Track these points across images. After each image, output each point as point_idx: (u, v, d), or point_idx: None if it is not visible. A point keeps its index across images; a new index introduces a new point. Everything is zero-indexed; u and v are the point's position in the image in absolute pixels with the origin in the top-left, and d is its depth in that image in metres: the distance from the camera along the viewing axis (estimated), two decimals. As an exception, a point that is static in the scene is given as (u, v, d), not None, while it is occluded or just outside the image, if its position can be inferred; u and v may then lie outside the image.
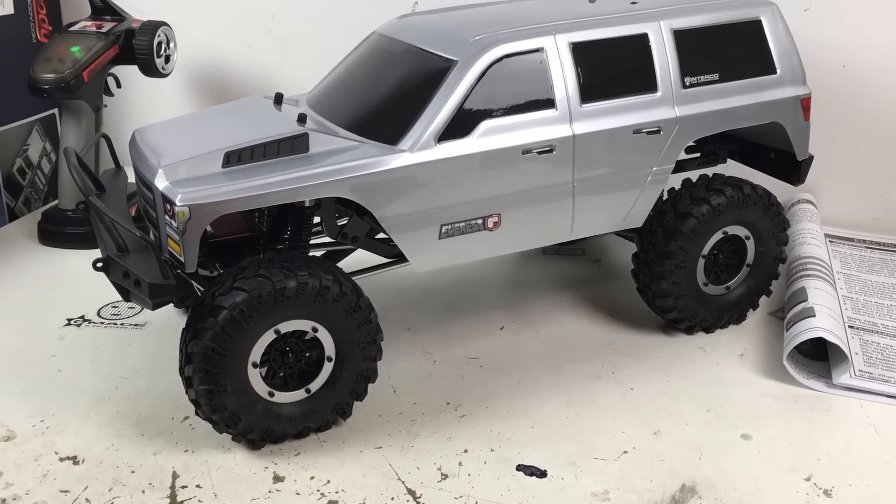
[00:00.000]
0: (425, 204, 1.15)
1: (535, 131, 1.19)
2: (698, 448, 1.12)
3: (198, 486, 1.05)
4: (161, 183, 1.07)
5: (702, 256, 1.34)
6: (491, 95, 1.16)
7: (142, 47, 1.80)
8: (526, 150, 1.18)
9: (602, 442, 1.13)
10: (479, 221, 1.19)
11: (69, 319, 1.44)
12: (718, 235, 1.34)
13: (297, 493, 1.04)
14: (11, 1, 2.02)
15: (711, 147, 1.49)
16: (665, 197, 1.35)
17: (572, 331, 1.42)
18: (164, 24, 1.85)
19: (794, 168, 1.43)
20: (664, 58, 1.25)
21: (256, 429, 1.10)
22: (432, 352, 1.36)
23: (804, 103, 1.36)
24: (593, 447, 1.12)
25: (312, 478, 1.07)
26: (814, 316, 1.29)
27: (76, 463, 1.10)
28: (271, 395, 1.11)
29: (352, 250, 1.35)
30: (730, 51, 1.31)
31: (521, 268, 1.65)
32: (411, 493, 1.04)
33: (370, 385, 1.17)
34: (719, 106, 1.30)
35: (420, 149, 1.13)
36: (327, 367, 1.13)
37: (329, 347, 1.12)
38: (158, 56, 1.83)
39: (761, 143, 1.46)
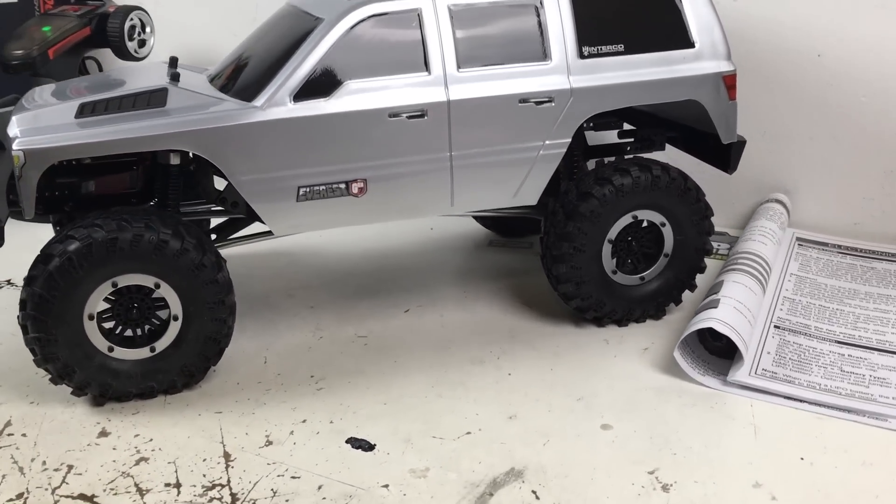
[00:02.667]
0: (279, 164, 1.11)
1: (404, 94, 1.13)
2: (547, 434, 1.03)
3: (23, 434, 1.05)
4: (11, 130, 1.08)
5: (608, 241, 1.25)
6: (358, 55, 1.12)
7: (113, 30, 1.85)
8: (393, 114, 1.13)
9: (449, 422, 1.06)
10: (342, 186, 1.14)
11: (-8, 282, 1.48)
12: (626, 219, 1.25)
13: (114, 449, 1.02)
14: (15, -10, 2.12)
15: (646, 132, 1.40)
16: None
17: (479, 317, 1.35)
18: (138, 8, 1.89)
19: (724, 153, 1.32)
20: (558, 25, 1.18)
21: (94, 384, 1.09)
22: (323, 328, 1.31)
23: (727, 80, 1.25)
24: (437, 426, 1.05)
25: (137, 435, 1.04)
26: (715, 307, 1.18)
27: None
28: (111, 349, 1.09)
29: (247, 220, 1.32)
30: (638, 22, 1.22)
31: (459, 257, 1.59)
32: (226, 455, 1.00)
33: (239, 354, 1.14)
34: (623, 79, 1.21)
35: (273, 105, 1.10)
36: (174, 327, 1.11)
37: (175, 306, 1.10)
38: (131, 40, 1.87)
39: (698, 129, 1.36)
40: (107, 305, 1.10)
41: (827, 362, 1.18)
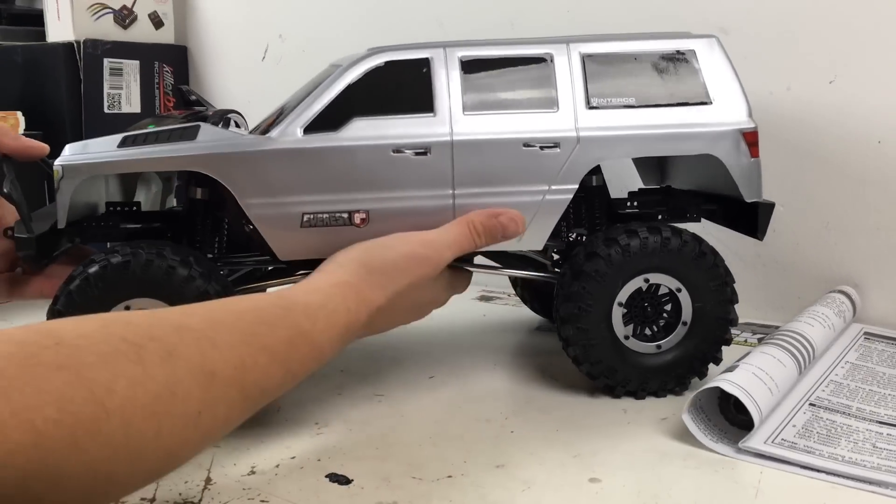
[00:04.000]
0: (286, 190, 1.19)
1: (410, 132, 1.20)
2: (529, 483, 0.99)
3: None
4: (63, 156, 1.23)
5: (618, 304, 1.22)
6: (368, 96, 1.20)
7: (209, 129, 2.04)
8: (397, 150, 1.19)
9: (434, 467, 1.04)
10: (345, 216, 1.20)
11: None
12: (637, 282, 1.22)
13: (109, 468, 1.05)
14: (139, 101, 2.39)
15: (680, 202, 1.38)
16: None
17: (500, 385, 1.33)
18: (234, 111, 2.08)
19: (751, 217, 1.28)
20: (567, 78, 1.22)
21: None
22: (344, 387, 1.33)
23: (748, 137, 1.23)
24: (419, 469, 1.03)
25: (135, 459, 1.08)
26: (732, 371, 1.12)
27: None
28: None
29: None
30: (651, 78, 1.24)
31: (501, 338, 1.59)
32: (207, 479, 1.02)
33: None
34: (633, 130, 1.21)
35: (284, 136, 1.19)
36: None
37: None
38: (224, 138, 2.05)
39: (731, 197, 1.32)
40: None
41: (859, 438, 1.08)
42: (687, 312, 1.23)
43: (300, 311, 0.95)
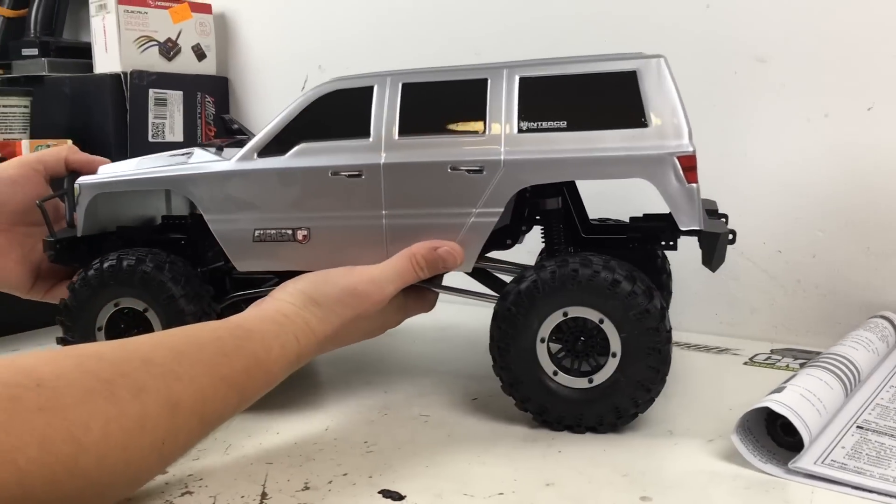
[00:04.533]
0: (240, 208, 1.31)
1: (346, 156, 1.26)
2: (580, 500, 1.00)
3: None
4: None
5: (540, 340, 1.19)
6: (314, 122, 1.28)
7: (251, 157, 2.08)
8: (334, 172, 1.26)
9: (484, 484, 1.05)
10: (289, 232, 1.29)
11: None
12: (557, 317, 1.19)
13: (167, 483, 1.08)
14: (182, 131, 2.45)
15: (655, 227, 1.38)
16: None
17: (545, 408, 1.34)
18: (275, 139, 2.13)
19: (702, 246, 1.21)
20: (499, 103, 1.22)
21: None
22: (390, 408, 1.35)
23: (683, 161, 1.16)
24: (470, 486, 1.04)
25: (190, 475, 1.10)
26: (780, 392, 1.12)
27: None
28: None
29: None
30: (587, 100, 1.21)
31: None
32: (263, 495, 1.03)
33: (304, 422, 1.28)
34: (561, 154, 1.19)
35: (241, 160, 1.31)
36: None
37: (157, 328, 1.32)
38: (266, 166, 2.10)
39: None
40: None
41: (910, 460, 1.08)
42: (615, 343, 1.17)
43: (257, 341, 1.06)
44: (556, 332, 1.20)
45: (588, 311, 1.18)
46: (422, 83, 1.27)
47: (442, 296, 1.40)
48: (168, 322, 1.32)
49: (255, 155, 1.31)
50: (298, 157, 1.29)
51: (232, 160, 1.32)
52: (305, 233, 1.29)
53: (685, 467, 1.09)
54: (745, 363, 1.57)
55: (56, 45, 2.56)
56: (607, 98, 1.20)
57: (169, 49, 2.43)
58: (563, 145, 1.20)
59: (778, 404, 1.07)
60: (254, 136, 2.19)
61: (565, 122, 1.21)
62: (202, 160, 1.36)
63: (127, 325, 1.36)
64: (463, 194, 1.23)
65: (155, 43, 2.40)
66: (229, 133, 2.25)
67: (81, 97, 2.33)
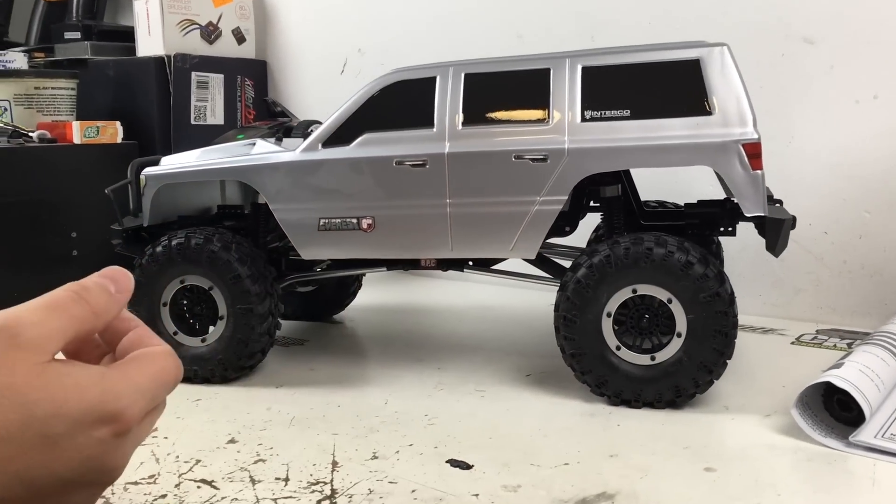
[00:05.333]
0: (305, 197, 1.34)
1: (410, 146, 1.29)
2: (646, 470, 1.02)
3: (165, 437, 1.16)
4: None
5: (606, 314, 1.21)
6: (378, 113, 1.31)
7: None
8: (399, 162, 1.29)
9: (548, 455, 1.07)
10: (354, 220, 1.32)
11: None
12: (626, 293, 1.21)
13: (238, 452, 1.11)
14: (223, 113, 2.48)
15: (714, 212, 1.38)
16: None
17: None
18: (317, 122, 2.15)
19: (764, 231, 1.22)
20: (563, 92, 1.24)
21: None
22: (445, 384, 1.37)
23: (748, 149, 1.17)
24: (536, 457, 1.07)
25: (260, 444, 1.13)
26: (839, 368, 1.14)
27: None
28: (175, 333, 1.38)
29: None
30: (650, 89, 1.22)
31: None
32: (334, 463, 1.06)
33: (362, 397, 1.31)
34: (624, 142, 1.21)
35: (306, 150, 1.34)
36: (219, 325, 1.36)
37: (221, 307, 1.35)
38: (309, 148, 2.12)
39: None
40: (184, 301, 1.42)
41: (969, 435, 1.09)
42: (681, 324, 1.19)
43: None
44: (620, 308, 1.22)
45: (657, 289, 1.20)
46: (484, 73, 1.29)
47: (479, 278, 1.44)
48: (233, 301, 1.34)
49: (320, 145, 1.33)
50: (363, 147, 1.31)
51: (297, 150, 1.35)
52: (370, 221, 1.32)
53: (745, 441, 1.11)
54: (792, 343, 1.58)
55: (98, 28, 2.59)
56: (670, 86, 1.21)
57: (210, 32, 2.46)
58: (626, 133, 1.21)
59: (839, 379, 1.09)
60: (296, 118, 2.22)
61: (629, 111, 1.22)
62: (266, 151, 1.39)
63: (190, 302, 1.39)
64: (527, 183, 1.25)
65: (197, 26, 2.42)
66: (272, 116, 2.28)
67: (125, 80, 2.36)
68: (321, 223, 1.34)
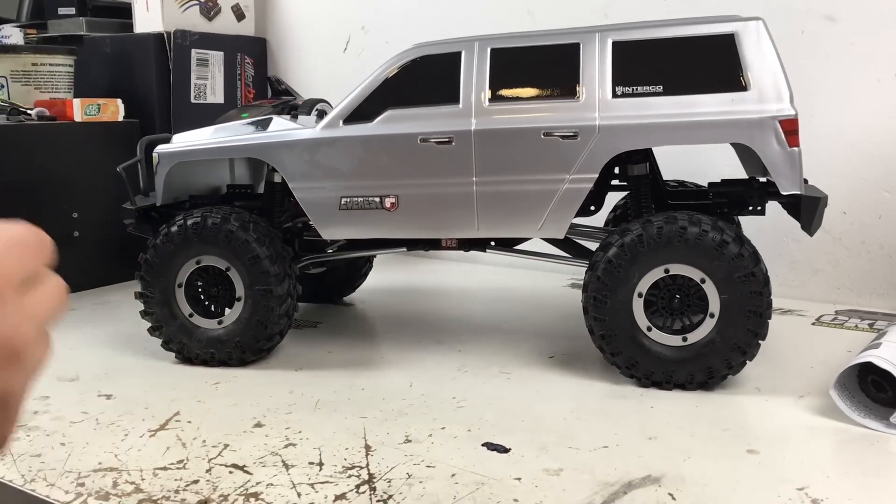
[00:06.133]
0: (326, 175, 1.30)
1: (436, 122, 1.25)
2: (688, 453, 1.00)
3: (189, 422, 1.13)
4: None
5: (637, 295, 1.18)
6: (401, 89, 1.27)
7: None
8: (424, 139, 1.25)
9: (586, 438, 1.05)
10: (377, 199, 1.28)
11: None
12: (658, 273, 1.18)
13: (266, 436, 1.08)
14: (223, 92, 2.42)
15: (742, 191, 1.34)
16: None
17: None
18: (322, 100, 2.11)
19: (799, 210, 1.20)
20: (593, 67, 1.20)
21: (175, 341, 1.35)
22: (469, 366, 1.35)
23: (785, 125, 1.15)
24: (573, 440, 1.05)
25: (288, 428, 1.10)
26: (877, 348, 1.12)
27: (108, 398, 1.23)
28: (190, 315, 1.34)
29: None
30: (685, 64, 1.18)
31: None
32: (367, 447, 1.03)
33: (386, 379, 1.28)
34: (657, 119, 1.17)
35: (326, 127, 1.30)
36: (237, 306, 1.32)
37: (239, 288, 1.32)
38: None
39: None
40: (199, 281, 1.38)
41: None
42: (714, 304, 1.17)
43: None
44: (651, 288, 1.19)
45: (691, 269, 1.17)
46: (511, 48, 1.25)
47: (489, 259, 1.42)
48: (251, 281, 1.31)
49: (341, 122, 1.30)
50: (386, 123, 1.27)
51: (317, 128, 1.31)
52: (393, 200, 1.28)
53: (783, 423, 1.09)
54: (813, 323, 1.57)
55: (93, 3, 2.52)
56: (704, 61, 1.18)
57: (210, 8, 2.40)
58: (659, 110, 1.18)
59: (880, 359, 1.07)
60: (300, 96, 2.17)
61: (661, 87, 1.19)
62: (284, 128, 1.35)
63: (206, 283, 1.35)
64: (556, 160, 1.22)
65: (196, 2, 2.36)
66: (276, 94, 2.23)
67: (123, 57, 2.30)
68: (343, 202, 1.30)
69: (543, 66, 1.25)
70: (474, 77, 1.25)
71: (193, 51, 2.31)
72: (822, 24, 1.68)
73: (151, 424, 1.12)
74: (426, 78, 1.28)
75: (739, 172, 1.45)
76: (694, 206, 1.35)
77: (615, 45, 1.22)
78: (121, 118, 2.05)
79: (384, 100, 1.28)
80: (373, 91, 1.29)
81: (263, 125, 1.39)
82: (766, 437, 1.05)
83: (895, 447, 1.01)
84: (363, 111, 1.29)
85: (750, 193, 1.34)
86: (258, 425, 1.11)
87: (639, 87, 1.20)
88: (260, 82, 2.55)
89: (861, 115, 1.66)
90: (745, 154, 1.49)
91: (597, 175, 1.22)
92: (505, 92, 1.25)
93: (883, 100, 1.64)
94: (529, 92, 1.24)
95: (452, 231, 1.29)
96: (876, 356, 1.08)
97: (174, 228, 1.33)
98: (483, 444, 1.03)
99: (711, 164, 1.61)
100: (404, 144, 1.27)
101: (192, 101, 2.33)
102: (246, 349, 1.33)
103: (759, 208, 1.34)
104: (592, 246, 1.46)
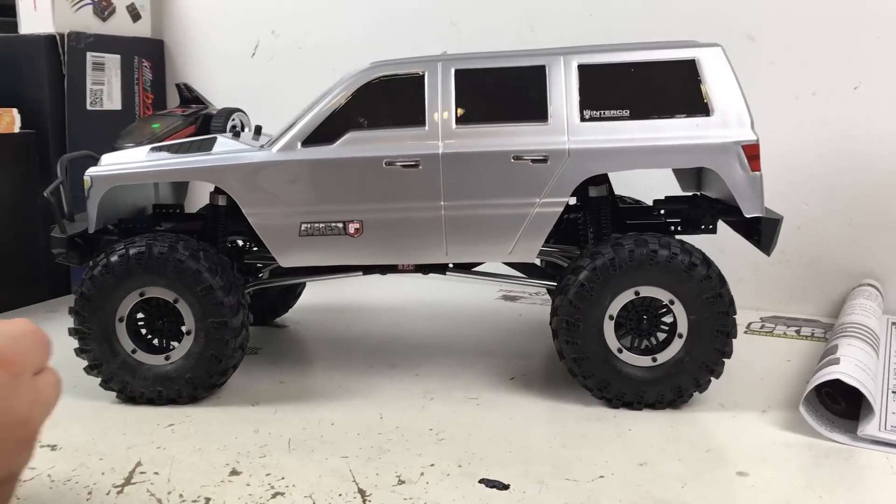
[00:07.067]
0: (284, 200, 1.24)
1: (401, 145, 1.22)
2: (683, 479, 1.02)
3: (156, 472, 1.05)
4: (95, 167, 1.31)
5: (609, 317, 1.20)
6: (364, 110, 1.23)
7: (216, 129, 1.96)
8: (389, 162, 1.22)
9: (579, 467, 1.05)
10: (340, 225, 1.24)
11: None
12: (628, 295, 1.20)
13: (248, 485, 1.01)
14: (120, 98, 2.27)
15: (694, 212, 1.38)
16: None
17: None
18: (239, 110, 2.01)
19: (757, 230, 1.25)
20: (560, 90, 1.21)
21: (116, 379, 1.25)
22: (433, 392, 1.32)
23: (748, 150, 1.20)
24: (567, 471, 1.04)
25: (268, 474, 1.04)
26: (837, 363, 1.17)
27: (53, 449, 1.12)
28: (133, 351, 1.25)
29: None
30: (650, 89, 1.21)
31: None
32: (362, 492, 0.99)
33: (354, 411, 1.23)
34: (628, 143, 1.19)
35: (283, 149, 1.24)
36: (186, 340, 1.25)
37: (189, 321, 1.24)
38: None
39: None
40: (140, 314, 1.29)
41: (955, 422, 1.15)
42: (682, 325, 1.20)
43: None
44: (621, 310, 1.20)
45: (660, 291, 1.19)
46: (475, 69, 1.23)
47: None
48: (203, 314, 1.23)
49: (300, 144, 1.23)
50: (348, 146, 1.22)
51: (273, 150, 1.24)
52: (357, 226, 1.23)
53: (757, 440, 1.13)
54: (745, 332, 1.63)
55: (-33, 0, 2.30)
56: (668, 86, 1.20)
57: (103, 8, 2.24)
58: (627, 134, 1.20)
59: (848, 377, 1.12)
60: (212, 105, 2.06)
61: (628, 111, 1.20)
62: (234, 149, 1.27)
63: (149, 316, 1.26)
64: (526, 184, 1.21)
65: (89, 2, 2.20)
66: (185, 102, 2.11)
67: (9, 60, 2.11)
68: (303, 228, 1.24)
69: (509, 87, 1.23)
70: (440, 98, 1.22)
71: (89, 54, 2.15)
72: (744, 44, 1.75)
73: (114, 479, 1.03)
74: (388, 99, 1.24)
75: (663, 187, 1.48)
76: (650, 226, 1.38)
77: (581, 67, 1.22)
78: (17, 129, 1.88)
79: (345, 121, 1.23)
80: (332, 112, 1.23)
81: (206, 146, 1.31)
82: (747, 456, 1.08)
83: (869, 461, 1.06)
84: (323, 133, 1.23)
85: (703, 213, 1.37)
86: (234, 472, 1.04)
87: (606, 111, 1.21)
88: (158, 87, 2.41)
89: (780, 130, 1.74)
90: (681, 171, 1.54)
91: (567, 199, 1.22)
92: (472, 114, 1.22)
93: (800, 116, 1.72)
94: (497, 114, 1.22)
95: (419, 257, 1.26)
96: (844, 374, 1.14)
97: (114, 258, 1.23)
98: (480, 482, 1.01)
99: (642, 180, 1.64)
100: (369, 168, 1.22)
101: (88, 107, 2.17)
102: (198, 385, 1.25)
103: (710, 227, 1.38)
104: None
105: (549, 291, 1.71)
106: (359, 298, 1.88)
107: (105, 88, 2.22)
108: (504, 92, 1.23)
